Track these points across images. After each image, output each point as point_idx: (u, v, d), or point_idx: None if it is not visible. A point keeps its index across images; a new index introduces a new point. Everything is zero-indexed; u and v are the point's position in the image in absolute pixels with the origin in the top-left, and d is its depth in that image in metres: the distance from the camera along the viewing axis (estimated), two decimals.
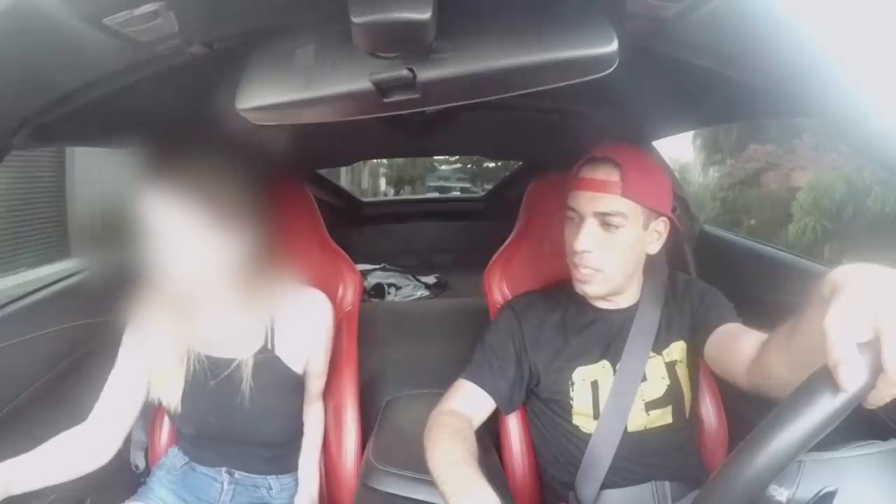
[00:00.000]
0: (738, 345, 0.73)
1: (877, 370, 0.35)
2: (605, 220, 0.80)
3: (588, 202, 0.81)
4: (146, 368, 0.86)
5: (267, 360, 0.88)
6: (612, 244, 0.81)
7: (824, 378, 0.36)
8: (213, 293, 0.81)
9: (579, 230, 0.81)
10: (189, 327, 0.86)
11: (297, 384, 0.93)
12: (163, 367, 0.86)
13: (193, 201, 0.73)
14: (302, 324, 0.91)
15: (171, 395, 0.86)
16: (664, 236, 0.86)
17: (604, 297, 0.89)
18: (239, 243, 0.78)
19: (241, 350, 0.87)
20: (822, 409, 0.36)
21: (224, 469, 0.92)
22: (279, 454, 0.95)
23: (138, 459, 1.04)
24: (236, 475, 0.92)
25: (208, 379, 0.86)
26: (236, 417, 0.87)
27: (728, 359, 0.75)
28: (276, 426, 0.92)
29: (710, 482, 0.40)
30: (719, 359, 0.78)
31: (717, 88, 0.81)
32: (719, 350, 0.79)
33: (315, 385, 0.97)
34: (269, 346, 0.89)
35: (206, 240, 0.75)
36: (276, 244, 0.85)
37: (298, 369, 0.91)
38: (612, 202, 0.79)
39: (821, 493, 0.42)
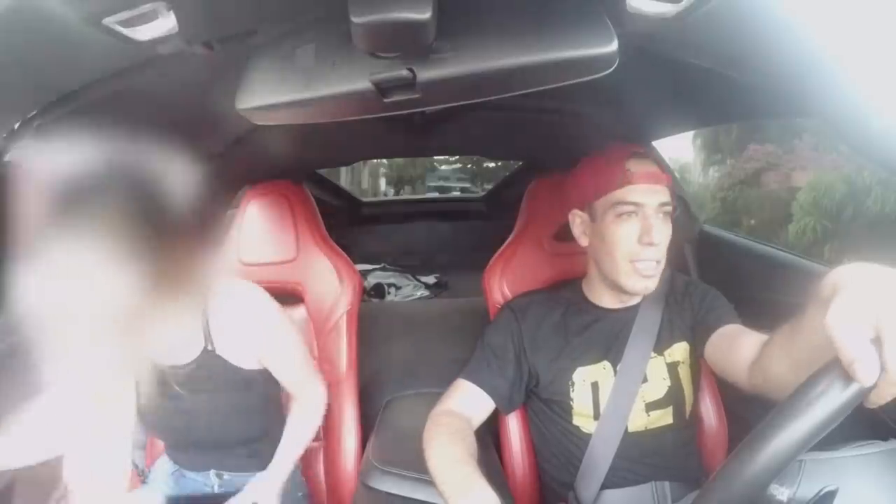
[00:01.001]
0: (738, 346, 0.73)
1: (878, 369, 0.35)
2: (664, 211, 0.82)
3: (651, 194, 0.81)
4: (93, 393, 0.82)
5: (210, 362, 0.87)
6: (668, 232, 0.83)
7: (825, 376, 0.37)
8: (128, 316, 0.77)
9: (649, 223, 0.80)
10: (123, 346, 0.83)
11: (249, 380, 0.90)
12: (110, 387, 0.83)
13: (79, 238, 0.67)
14: (238, 319, 0.89)
15: (130, 413, 0.85)
16: None
17: (629, 294, 0.88)
18: (137, 271, 0.70)
19: (183, 356, 0.86)
20: (823, 408, 0.36)
21: (212, 472, 0.92)
22: (258, 449, 0.94)
23: (137, 458, 1.04)
24: (224, 476, 0.93)
25: (160, 389, 0.85)
26: (198, 421, 0.87)
27: (728, 360, 0.75)
28: (238, 424, 0.91)
29: (711, 480, 0.40)
30: (719, 360, 0.78)
31: (717, 88, 0.81)
32: (719, 351, 0.79)
33: (287, 378, 0.94)
34: (210, 346, 0.87)
35: (95, 276, 0.69)
36: (188, 251, 0.78)
37: (247, 365, 0.90)
38: (667, 192, 0.82)
39: (822, 493, 0.42)
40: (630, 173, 0.81)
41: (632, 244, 0.81)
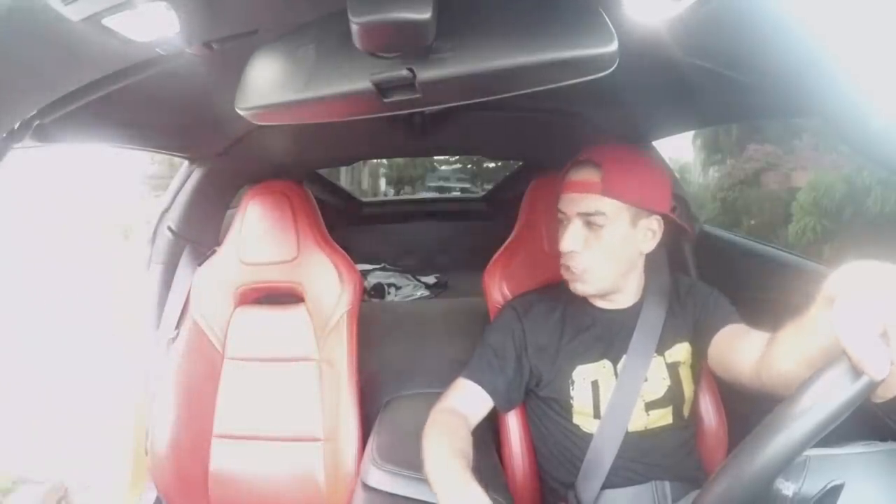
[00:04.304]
0: (741, 345, 0.73)
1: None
2: (588, 220, 0.82)
3: (571, 203, 0.83)
4: None
5: None
6: (597, 244, 0.82)
7: (831, 373, 0.37)
8: None
9: (563, 231, 0.84)
10: None
11: None
12: None
13: None
14: None
15: None
16: (659, 235, 0.86)
17: (602, 297, 0.89)
18: None
19: None
20: (829, 403, 0.37)
21: None
22: None
23: None
24: None
25: None
26: None
27: (732, 359, 0.75)
28: None
29: (719, 472, 0.40)
30: (723, 360, 0.78)
31: (717, 88, 0.81)
32: (722, 352, 0.79)
33: None
34: None
35: None
36: None
37: None
38: (593, 202, 0.81)
39: (828, 487, 0.42)
40: (564, 182, 0.85)
41: (559, 248, 0.85)
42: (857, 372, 0.36)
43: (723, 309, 0.87)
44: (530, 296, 0.97)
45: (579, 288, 0.86)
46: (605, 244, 0.82)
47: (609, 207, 0.81)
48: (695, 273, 1.26)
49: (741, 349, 0.73)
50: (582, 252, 0.83)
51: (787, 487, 0.42)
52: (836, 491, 0.42)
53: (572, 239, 0.83)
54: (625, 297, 0.90)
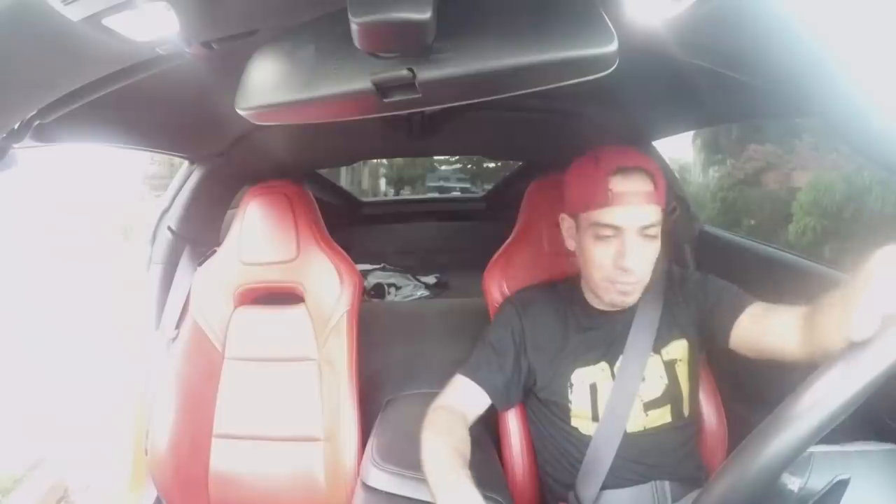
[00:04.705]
0: (774, 325, 0.72)
1: None
2: (645, 233, 0.78)
3: (631, 218, 0.77)
4: None
5: None
6: (650, 253, 0.80)
7: (832, 371, 0.38)
8: None
9: (625, 248, 0.77)
10: None
11: None
12: None
13: None
14: None
15: None
16: None
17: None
18: None
19: None
20: (831, 401, 0.37)
21: None
22: None
23: None
24: None
25: None
26: None
27: (768, 340, 0.73)
28: None
29: (725, 465, 0.41)
30: (756, 343, 0.76)
31: (717, 88, 0.81)
32: (753, 335, 0.77)
33: None
34: None
35: None
36: None
37: None
38: (652, 213, 0.78)
39: (834, 481, 0.42)
40: (612, 194, 0.77)
41: (608, 266, 0.80)
42: (851, 373, 0.37)
43: (729, 293, 0.85)
44: (530, 292, 0.97)
45: (628, 300, 0.83)
46: (655, 253, 0.80)
47: (659, 216, 0.78)
48: None
49: (774, 329, 0.71)
50: (638, 267, 0.79)
51: (792, 482, 0.43)
52: (842, 485, 0.42)
53: (640, 256, 0.77)
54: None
